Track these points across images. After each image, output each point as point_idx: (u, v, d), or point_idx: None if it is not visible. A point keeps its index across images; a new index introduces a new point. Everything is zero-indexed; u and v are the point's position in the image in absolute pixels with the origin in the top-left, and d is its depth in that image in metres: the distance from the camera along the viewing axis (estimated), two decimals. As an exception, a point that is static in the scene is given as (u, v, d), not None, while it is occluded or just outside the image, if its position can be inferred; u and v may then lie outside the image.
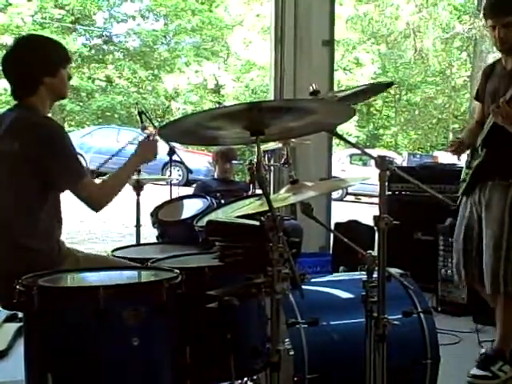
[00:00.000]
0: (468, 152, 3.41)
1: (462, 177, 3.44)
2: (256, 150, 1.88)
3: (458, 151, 3.41)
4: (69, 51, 2.71)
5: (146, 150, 2.76)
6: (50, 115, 2.67)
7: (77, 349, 1.87)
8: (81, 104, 20.61)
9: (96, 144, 15.04)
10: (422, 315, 2.57)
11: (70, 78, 2.63)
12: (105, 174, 2.82)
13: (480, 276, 3.34)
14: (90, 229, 9.45)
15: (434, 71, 23.07)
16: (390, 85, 2.97)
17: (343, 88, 20.22)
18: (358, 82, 21.29)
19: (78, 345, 1.87)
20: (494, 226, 3.22)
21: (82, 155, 14.68)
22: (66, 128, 20.11)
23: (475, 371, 3.36)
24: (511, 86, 3.05)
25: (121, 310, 1.86)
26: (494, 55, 20.53)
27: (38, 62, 2.53)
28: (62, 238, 2.61)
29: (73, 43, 19.63)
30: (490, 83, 3.30)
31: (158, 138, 2.76)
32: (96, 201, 2.51)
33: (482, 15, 3.28)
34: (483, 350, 3.49)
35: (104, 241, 8.91)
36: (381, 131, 25.44)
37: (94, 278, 2.22)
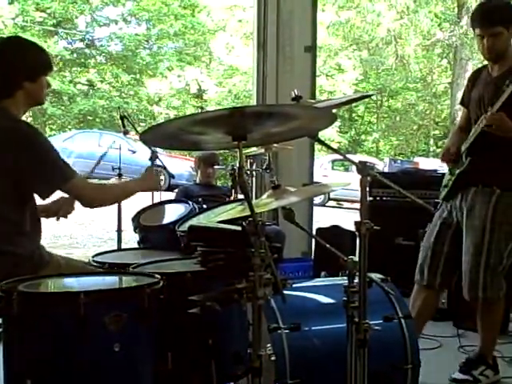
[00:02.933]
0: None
1: (443, 182, 3.45)
2: (238, 155, 1.88)
3: (448, 159, 3.43)
4: (51, 56, 2.69)
5: (150, 179, 2.84)
6: (27, 119, 2.64)
7: (57, 355, 1.85)
8: (62, 108, 20.47)
9: (77, 148, 14.94)
10: (402, 320, 2.58)
11: (48, 86, 2.60)
12: (86, 179, 2.81)
13: (443, 279, 3.37)
14: (70, 233, 9.37)
15: (415, 78, 23.27)
16: (369, 96, 2.98)
17: (325, 94, 20.33)
18: (340, 88, 21.43)
19: (59, 351, 1.86)
20: (475, 233, 3.22)
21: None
22: (47, 132, 19.99)
23: (456, 375, 3.38)
24: (497, 95, 3.07)
25: (102, 316, 1.85)
26: (474, 62, 20.78)
27: (21, 65, 2.49)
28: (43, 242, 2.59)
29: (54, 46, 19.50)
30: (475, 90, 3.31)
31: (161, 172, 2.83)
32: (88, 198, 2.53)
33: (469, 24, 3.28)
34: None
35: (85, 246, 8.84)
36: (362, 137, 25.59)
37: (74, 284, 2.21)
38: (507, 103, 3.03)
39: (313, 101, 2.76)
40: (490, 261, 3.20)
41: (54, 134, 18.76)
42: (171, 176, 5.78)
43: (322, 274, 4.94)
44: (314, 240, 5.26)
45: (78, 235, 9.45)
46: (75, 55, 21.43)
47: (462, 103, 3.52)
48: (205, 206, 3.53)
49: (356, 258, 2.07)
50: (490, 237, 3.19)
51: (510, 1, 3.49)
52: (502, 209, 3.18)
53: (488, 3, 3.30)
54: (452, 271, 3.39)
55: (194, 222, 2.91)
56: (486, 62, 3.35)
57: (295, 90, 2.21)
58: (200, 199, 4.38)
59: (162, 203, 3.90)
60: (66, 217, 2.89)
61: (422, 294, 3.44)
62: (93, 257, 2.87)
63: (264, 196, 2.20)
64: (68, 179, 2.45)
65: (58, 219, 2.87)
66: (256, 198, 4.64)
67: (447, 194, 3.39)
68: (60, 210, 2.81)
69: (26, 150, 2.38)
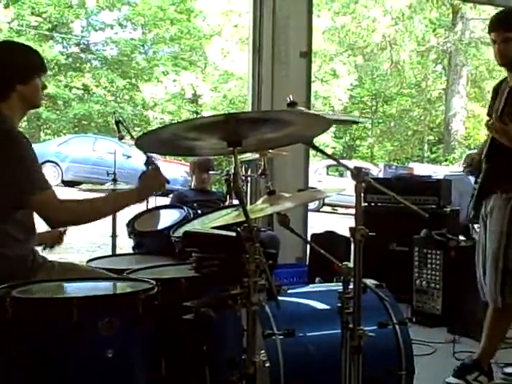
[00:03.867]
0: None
1: (472, 192, 3.47)
2: (233, 160, 1.88)
3: (471, 169, 3.45)
4: (45, 60, 2.66)
5: (150, 181, 2.58)
6: (22, 123, 2.60)
7: (50, 360, 1.85)
8: (57, 112, 20.44)
9: (72, 153, 14.92)
10: (397, 326, 2.58)
11: (44, 87, 2.56)
12: (80, 183, 2.76)
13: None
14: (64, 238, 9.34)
15: (410, 83, 23.36)
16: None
17: (320, 99, 20.36)
18: (335, 93, 21.47)
19: (52, 356, 1.85)
20: (494, 238, 3.25)
21: (57, 164, 14.58)
22: (42, 136, 19.96)
23: (450, 379, 3.38)
24: (503, 100, 3.11)
25: (96, 322, 1.84)
26: (468, 68, 20.89)
27: (11, 67, 2.46)
28: (37, 247, 2.58)
29: (49, 51, 19.48)
30: (497, 100, 3.34)
31: (158, 164, 2.65)
32: (50, 216, 2.33)
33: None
34: (510, 370, 3.52)
35: (79, 251, 8.81)
36: (357, 142, 25.64)
37: (68, 289, 2.20)
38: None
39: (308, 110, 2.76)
40: (508, 265, 3.20)
41: (49, 139, 18.73)
42: (166, 181, 5.75)
43: (317, 279, 4.94)
44: (308, 246, 5.27)
45: (72, 240, 9.40)
46: (70, 59, 21.41)
47: (488, 113, 3.52)
48: (200, 212, 3.52)
49: (351, 264, 2.07)
50: (506, 241, 3.21)
51: (490, 5, 3.54)
52: None
53: (506, 9, 3.37)
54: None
55: (188, 227, 2.90)
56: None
57: (291, 96, 2.21)
58: (195, 204, 4.38)
59: (157, 208, 3.89)
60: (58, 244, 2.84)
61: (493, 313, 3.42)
62: (87, 262, 2.87)
63: (259, 202, 2.20)
64: (36, 190, 2.28)
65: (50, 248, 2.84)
66: (251, 203, 4.64)
67: (475, 203, 3.41)
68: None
69: (5, 155, 2.31)
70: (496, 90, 3.42)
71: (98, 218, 2.44)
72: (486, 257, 3.28)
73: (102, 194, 4.06)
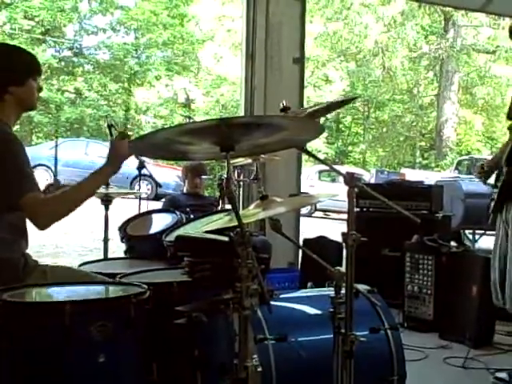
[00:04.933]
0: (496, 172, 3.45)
1: (492, 196, 3.47)
2: (226, 165, 1.88)
3: (483, 176, 3.46)
4: (38, 60, 2.65)
5: (118, 148, 2.50)
6: (14, 126, 2.59)
7: (42, 365, 1.84)
8: (49, 116, 20.39)
9: (64, 156, 14.86)
10: (389, 331, 2.58)
11: (40, 89, 2.57)
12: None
13: None
14: (55, 242, 9.31)
15: (402, 90, 23.46)
16: (355, 98, 2.96)
17: (312, 104, 20.39)
18: (327, 99, 21.52)
19: (43, 361, 1.84)
20: None
21: (49, 167, 14.52)
22: (34, 140, 19.88)
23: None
24: None
25: (87, 326, 1.84)
26: (460, 75, 20.98)
27: (6, 69, 2.46)
28: (28, 251, 2.56)
29: (42, 55, 19.44)
30: None
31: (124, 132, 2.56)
32: (38, 218, 2.32)
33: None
34: (502, 375, 3.49)
35: (70, 255, 8.78)
36: (349, 148, 25.70)
37: (60, 293, 2.19)
38: None
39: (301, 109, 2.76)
40: None
41: (41, 142, 18.65)
42: (158, 185, 5.76)
43: (309, 284, 4.93)
44: (300, 250, 5.27)
45: (64, 244, 9.39)
46: (63, 63, 21.39)
47: (508, 116, 3.48)
48: (192, 216, 3.52)
49: (343, 269, 2.08)
50: None
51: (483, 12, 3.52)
52: None
53: None
54: None
55: (181, 231, 2.90)
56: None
57: (284, 101, 2.22)
58: (187, 209, 4.37)
59: (149, 213, 3.89)
60: None
61: None
62: (79, 266, 2.85)
63: (251, 206, 2.20)
64: (24, 192, 2.28)
65: None
66: (243, 208, 4.64)
67: (495, 207, 3.41)
68: None
69: None
70: None
71: (82, 203, 2.42)
72: (509, 261, 3.26)
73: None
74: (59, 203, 2.41)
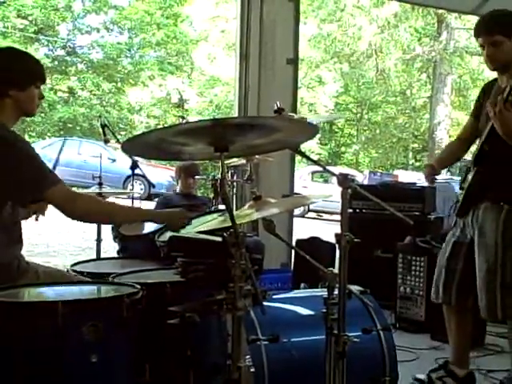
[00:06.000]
0: (446, 171, 3.36)
1: (457, 198, 3.38)
2: (220, 165, 1.88)
3: (428, 178, 3.44)
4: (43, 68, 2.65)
5: (173, 220, 2.60)
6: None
7: (33, 365, 1.83)
8: (42, 115, 20.31)
9: (56, 156, 14.80)
10: (381, 332, 2.59)
11: (41, 97, 2.58)
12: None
13: (457, 296, 3.32)
14: (47, 242, 9.27)
15: (395, 91, 23.50)
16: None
17: (306, 106, 20.42)
18: (321, 100, 21.57)
19: (35, 361, 1.84)
20: (487, 251, 3.16)
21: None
22: (26, 139, 19.77)
23: None
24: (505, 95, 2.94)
25: (80, 326, 1.84)
26: (453, 77, 21.03)
27: (9, 72, 2.47)
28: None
29: (35, 54, 19.33)
30: (487, 101, 3.21)
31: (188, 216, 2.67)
32: (69, 209, 2.38)
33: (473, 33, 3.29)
34: (421, 376, 3.49)
35: (62, 255, 8.75)
36: (342, 149, 25.74)
37: (52, 293, 2.19)
38: None
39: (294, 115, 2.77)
40: (506, 279, 3.12)
41: (34, 141, 18.58)
42: (151, 185, 5.75)
43: (302, 285, 4.95)
44: (293, 251, 5.28)
45: (56, 244, 9.35)
46: (56, 62, 21.31)
47: (472, 114, 3.47)
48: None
49: (336, 270, 2.08)
50: (502, 254, 3.12)
51: (476, 15, 3.47)
52: (511, 224, 3.13)
53: (490, 13, 3.27)
54: (467, 289, 3.28)
55: (174, 232, 2.90)
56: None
57: (278, 102, 2.22)
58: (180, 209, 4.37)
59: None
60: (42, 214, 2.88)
61: (453, 318, 3.42)
62: (71, 266, 2.85)
63: (245, 207, 2.20)
64: (51, 185, 2.35)
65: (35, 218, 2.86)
66: (237, 208, 4.65)
67: (459, 210, 3.32)
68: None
69: (4, 157, 2.34)
70: (486, 91, 3.36)
71: (111, 219, 2.60)
72: (478, 270, 3.19)
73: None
74: (97, 203, 2.59)
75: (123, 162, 10.88)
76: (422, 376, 3.47)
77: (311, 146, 21.18)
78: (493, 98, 3.15)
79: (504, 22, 3.15)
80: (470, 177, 3.24)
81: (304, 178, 16.66)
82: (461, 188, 3.34)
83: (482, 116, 3.31)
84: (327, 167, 2.61)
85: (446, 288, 3.35)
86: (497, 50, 3.11)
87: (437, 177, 3.55)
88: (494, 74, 3.32)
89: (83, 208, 2.42)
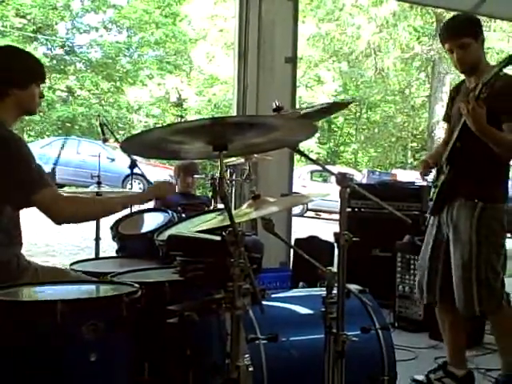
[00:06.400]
0: (434, 171, 3.38)
1: (430, 196, 3.41)
2: (219, 165, 1.88)
3: (423, 172, 3.44)
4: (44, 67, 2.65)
5: (161, 190, 2.81)
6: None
7: (33, 364, 1.83)
8: (41, 114, 20.29)
9: (55, 155, 14.79)
10: (379, 331, 2.59)
11: (42, 96, 2.58)
12: (63, 186, 2.76)
13: (442, 295, 3.34)
14: (46, 241, 9.27)
15: (394, 90, 23.51)
16: (349, 103, 2.97)
17: (305, 105, 20.41)
18: (319, 99, 21.57)
19: (34, 360, 1.84)
20: (462, 248, 3.19)
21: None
22: (25, 138, 19.77)
23: None
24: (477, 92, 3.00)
25: (79, 325, 1.84)
26: (452, 76, 21.06)
27: (9, 71, 2.48)
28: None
29: (34, 53, 19.28)
30: (456, 105, 3.31)
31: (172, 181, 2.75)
32: (57, 212, 2.37)
33: (439, 40, 3.33)
34: (420, 377, 3.50)
35: (61, 254, 8.75)
36: (341, 148, 25.75)
37: (51, 292, 2.19)
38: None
39: (298, 109, 2.76)
40: (481, 275, 3.16)
41: (32, 141, 18.57)
42: (150, 184, 5.73)
43: (300, 284, 4.94)
44: (292, 250, 5.27)
45: (55, 243, 9.35)
46: (55, 62, 21.28)
47: (444, 119, 3.54)
48: (184, 215, 3.52)
49: (334, 269, 2.08)
50: (477, 251, 3.16)
51: (474, 14, 3.53)
52: (485, 221, 3.16)
53: (452, 17, 3.36)
54: (451, 287, 3.28)
55: (173, 231, 2.90)
56: (463, 77, 3.38)
57: (276, 101, 2.22)
58: (179, 208, 4.37)
59: (141, 212, 3.88)
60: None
61: (445, 318, 3.44)
62: (70, 265, 2.85)
63: (244, 206, 2.20)
64: (37, 189, 2.31)
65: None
66: (235, 207, 4.65)
67: (433, 208, 3.35)
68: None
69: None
70: (453, 95, 3.41)
71: (102, 214, 2.59)
72: (454, 267, 3.22)
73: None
74: (81, 203, 2.55)
75: (122, 162, 10.88)
76: (420, 377, 3.48)
77: (310, 145, 21.19)
78: (463, 97, 3.21)
79: (468, 24, 3.21)
80: (442, 176, 3.27)
81: (303, 177, 16.66)
82: (434, 186, 3.37)
83: (452, 119, 3.36)
84: (326, 166, 2.61)
85: (430, 288, 3.39)
86: (465, 53, 3.15)
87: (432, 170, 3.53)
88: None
89: (68, 212, 2.41)
